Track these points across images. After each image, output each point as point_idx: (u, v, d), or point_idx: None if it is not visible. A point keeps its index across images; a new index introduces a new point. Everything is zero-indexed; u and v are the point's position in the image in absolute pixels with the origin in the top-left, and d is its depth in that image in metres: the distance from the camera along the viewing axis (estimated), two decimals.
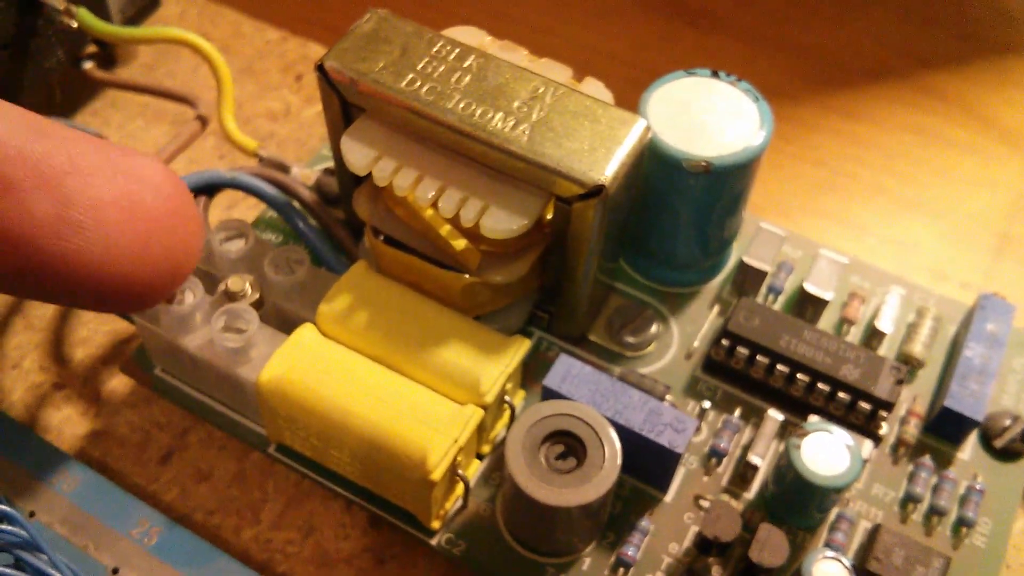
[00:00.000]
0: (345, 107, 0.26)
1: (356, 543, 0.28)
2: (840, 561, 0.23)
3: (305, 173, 0.31)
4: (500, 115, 0.24)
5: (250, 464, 0.30)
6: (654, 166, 0.26)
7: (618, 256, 0.30)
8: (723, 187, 0.27)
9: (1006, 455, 0.27)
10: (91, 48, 0.39)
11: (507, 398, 0.26)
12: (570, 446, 0.24)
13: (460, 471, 0.25)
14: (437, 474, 0.23)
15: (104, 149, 0.17)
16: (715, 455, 0.27)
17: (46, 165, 0.16)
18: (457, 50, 0.25)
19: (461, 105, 0.24)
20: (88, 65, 0.38)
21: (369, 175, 0.25)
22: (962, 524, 0.26)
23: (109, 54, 0.40)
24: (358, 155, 0.25)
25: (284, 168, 0.31)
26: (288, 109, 0.39)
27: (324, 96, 0.26)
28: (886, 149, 0.40)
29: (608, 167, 0.24)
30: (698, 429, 0.27)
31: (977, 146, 0.41)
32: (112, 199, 0.17)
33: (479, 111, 0.24)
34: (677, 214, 0.28)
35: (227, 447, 0.30)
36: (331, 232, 0.30)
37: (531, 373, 0.28)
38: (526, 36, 0.27)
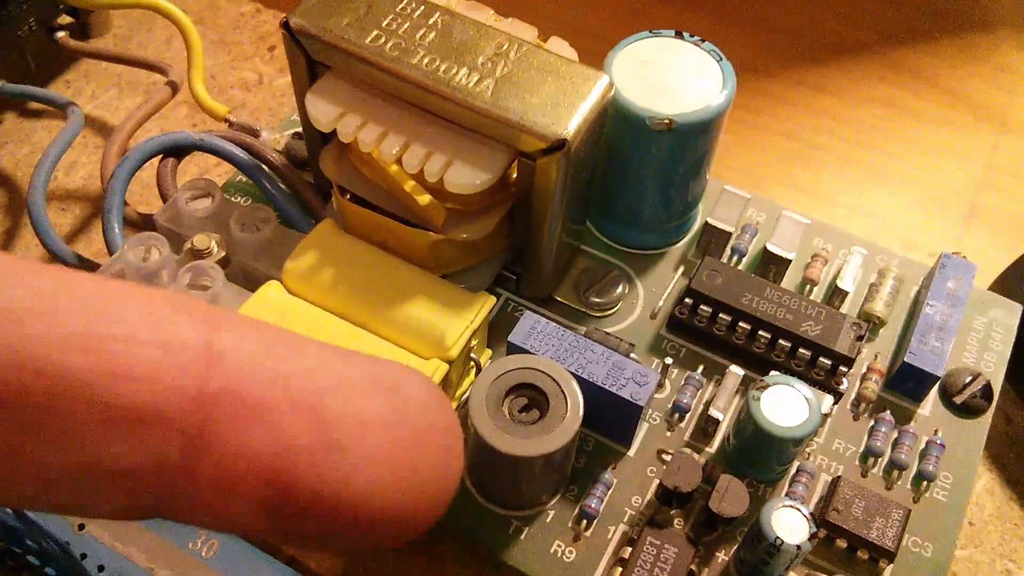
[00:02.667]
0: (311, 65, 0.26)
1: None
2: (799, 510, 0.23)
3: (275, 137, 0.31)
4: (464, 71, 0.24)
5: None
6: (618, 124, 0.27)
7: (585, 218, 0.30)
8: (686, 146, 0.27)
9: (966, 411, 0.28)
10: (65, 18, 0.39)
11: (473, 355, 0.26)
12: (533, 399, 0.24)
13: None
14: None
15: (361, 362, 0.15)
16: (678, 411, 0.27)
17: (302, 383, 0.14)
18: (422, 7, 0.26)
19: (425, 61, 0.24)
20: (61, 35, 0.38)
21: (335, 134, 0.25)
22: (922, 478, 0.26)
23: (83, 24, 0.40)
24: (323, 111, 0.25)
25: (254, 132, 0.31)
26: (261, 79, 0.39)
27: (290, 54, 0.26)
28: (856, 122, 0.41)
29: (571, 122, 0.24)
30: (661, 384, 0.27)
31: (946, 118, 0.41)
32: (378, 418, 0.14)
33: (443, 67, 0.24)
34: (641, 175, 0.28)
35: None
36: (299, 194, 0.30)
37: (498, 334, 0.28)
38: (498, 5, 0.27)
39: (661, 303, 0.29)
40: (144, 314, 0.13)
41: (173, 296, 0.14)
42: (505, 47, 0.25)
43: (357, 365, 0.15)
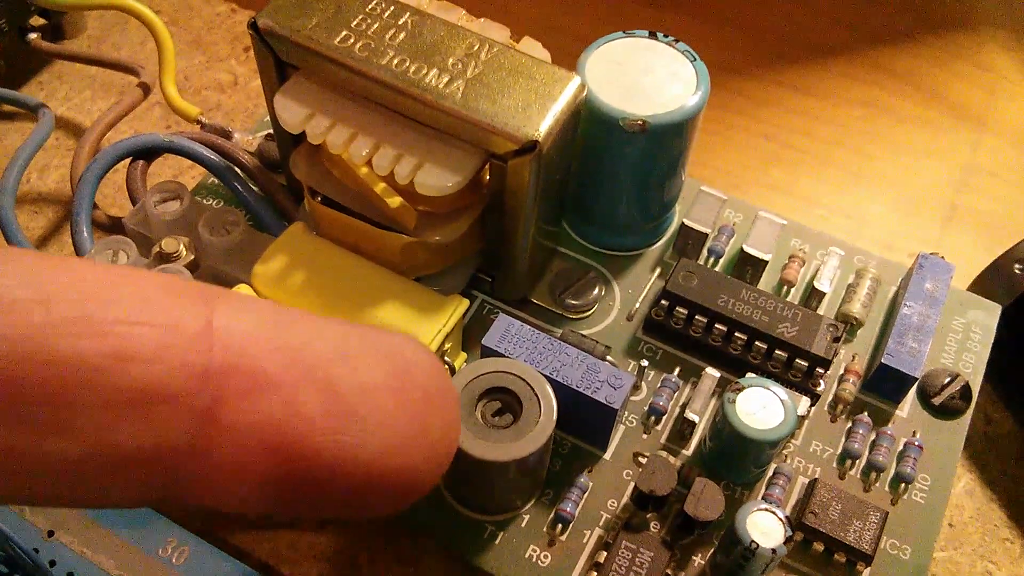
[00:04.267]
0: (280, 66, 0.26)
1: None
2: (774, 513, 0.23)
3: (247, 139, 0.31)
4: (434, 72, 0.24)
5: None
6: (592, 126, 0.26)
7: (560, 220, 0.30)
8: (661, 147, 0.27)
9: (945, 412, 0.27)
10: (37, 20, 0.38)
11: (447, 359, 0.26)
12: (506, 403, 0.24)
13: None
14: None
15: (362, 331, 0.15)
16: (654, 413, 0.27)
17: (307, 354, 0.14)
18: (392, 7, 0.25)
19: (395, 62, 0.24)
20: (33, 36, 0.37)
21: (305, 135, 0.25)
22: (900, 480, 0.26)
23: (56, 26, 0.40)
24: (291, 113, 0.25)
25: (226, 134, 0.31)
26: (236, 80, 0.39)
27: (259, 55, 0.26)
28: (835, 122, 0.41)
29: (542, 123, 0.23)
30: (637, 387, 0.27)
31: (926, 119, 0.41)
32: (385, 383, 0.15)
33: (413, 67, 0.24)
34: (616, 176, 0.28)
35: None
36: (272, 197, 0.30)
37: (473, 337, 0.28)
38: (470, 5, 0.27)
39: (638, 305, 0.29)
40: (142, 296, 0.13)
41: (167, 278, 0.14)
42: (476, 48, 0.25)
43: (358, 334, 0.15)
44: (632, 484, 0.26)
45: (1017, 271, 0.30)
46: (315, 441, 0.14)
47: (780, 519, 0.23)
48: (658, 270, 0.30)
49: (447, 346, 0.26)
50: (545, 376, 0.24)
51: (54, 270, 0.13)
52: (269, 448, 0.13)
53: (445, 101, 0.24)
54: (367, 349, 0.15)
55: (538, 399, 0.24)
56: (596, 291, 0.29)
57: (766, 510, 0.23)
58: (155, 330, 0.13)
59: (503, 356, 0.25)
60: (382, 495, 0.15)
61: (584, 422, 0.25)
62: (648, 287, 0.29)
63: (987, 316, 0.29)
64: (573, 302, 0.29)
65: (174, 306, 0.13)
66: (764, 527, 0.23)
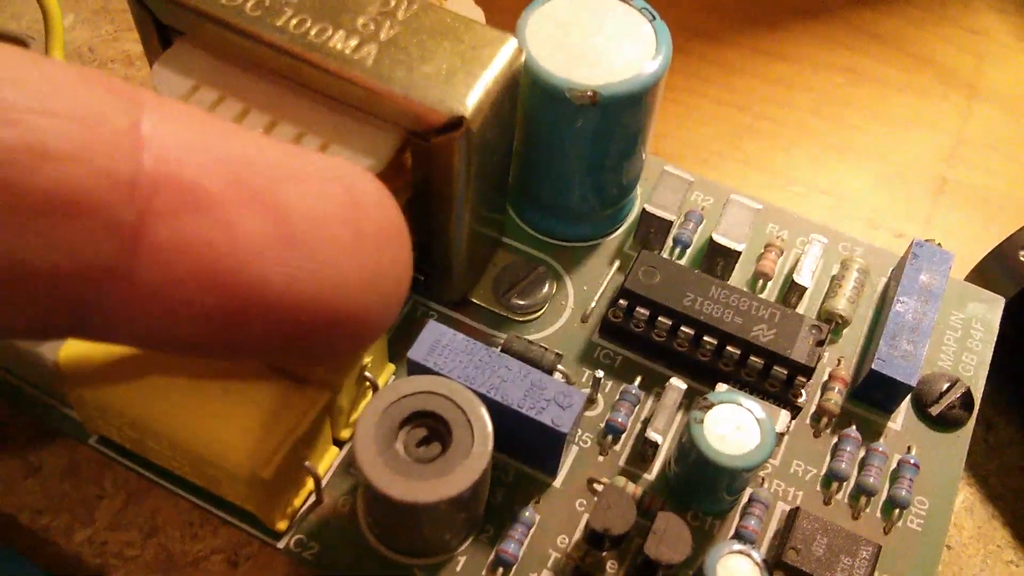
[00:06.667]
0: (162, 31, 0.22)
1: (205, 544, 0.25)
2: (750, 556, 0.20)
3: None
4: (341, 34, 0.20)
5: (84, 456, 0.26)
6: (535, 97, 0.23)
7: (503, 206, 0.26)
8: (615, 121, 0.23)
9: (944, 423, 0.24)
10: None
11: (368, 374, 0.22)
12: (433, 430, 0.20)
13: (307, 463, 0.21)
14: (268, 470, 0.19)
15: (311, 155, 0.13)
16: (612, 432, 0.23)
17: (252, 171, 0.12)
18: None
19: (293, 22, 0.20)
20: None
21: None
22: (894, 505, 0.23)
23: None
24: (172, 85, 0.21)
25: None
26: None
27: (136, 17, 0.22)
28: (815, 91, 0.37)
29: (470, 95, 0.20)
30: (592, 401, 0.24)
31: (912, 85, 0.37)
32: (337, 213, 0.13)
33: (315, 29, 0.20)
34: (566, 155, 0.24)
35: (58, 437, 0.26)
36: None
37: (403, 344, 0.24)
38: None
39: (594, 304, 0.25)
40: (58, 85, 0.11)
41: (88, 70, 0.12)
42: (392, 4, 0.21)
43: (307, 157, 0.13)
44: (587, 516, 0.22)
45: (1023, 258, 0.26)
46: (258, 271, 0.12)
47: (756, 563, 0.20)
48: (617, 263, 0.26)
49: (368, 359, 0.22)
50: (481, 396, 0.21)
51: None
52: (204, 275, 0.12)
53: (353, 69, 0.20)
54: (318, 173, 0.13)
55: (471, 424, 0.20)
56: (546, 289, 0.25)
57: (740, 552, 0.20)
58: (74, 124, 0.11)
59: (432, 372, 0.21)
60: (329, 341, 0.14)
61: (530, 447, 0.22)
62: (606, 283, 0.26)
63: (989, 310, 0.26)
64: (520, 302, 0.25)
65: (97, 100, 0.11)
66: (738, 573, 0.19)
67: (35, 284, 0.11)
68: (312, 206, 0.13)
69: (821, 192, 0.34)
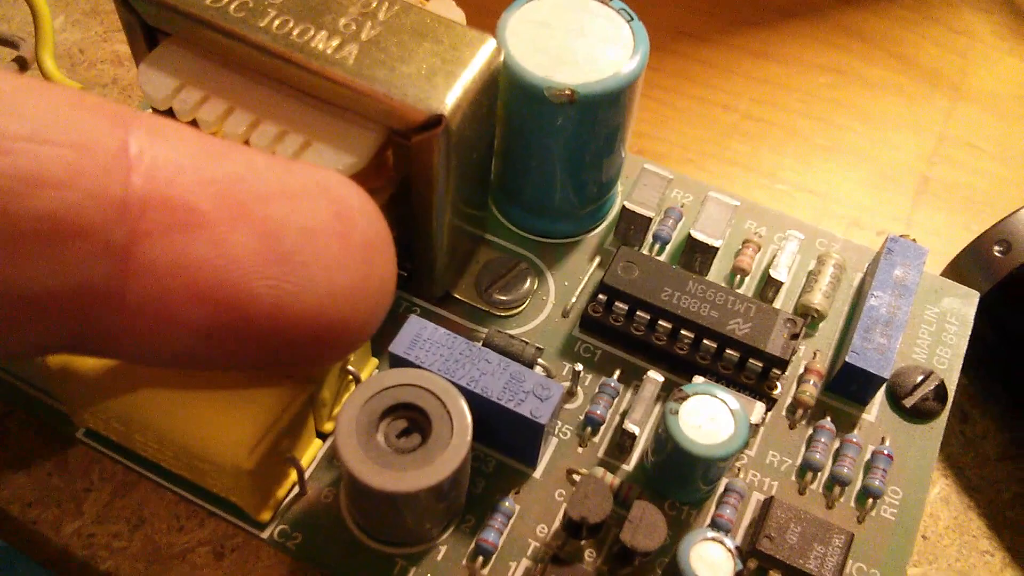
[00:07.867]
0: (150, 33, 0.22)
1: (192, 536, 0.25)
2: (722, 543, 0.20)
3: None
4: (323, 34, 0.21)
5: (73, 449, 0.26)
6: (515, 97, 0.23)
7: (484, 203, 0.26)
8: (593, 120, 0.23)
9: (918, 415, 0.24)
10: None
11: (350, 368, 0.23)
12: (413, 421, 0.21)
13: (291, 455, 0.21)
14: (251, 461, 0.20)
15: (300, 168, 0.14)
16: (591, 424, 0.23)
17: (240, 188, 0.12)
18: None
19: (276, 23, 0.21)
20: None
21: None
22: (868, 495, 0.23)
23: None
24: (157, 85, 0.21)
25: None
26: None
27: (124, 20, 0.22)
28: (800, 90, 0.37)
29: (449, 94, 0.20)
30: (572, 393, 0.24)
31: (897, 85, 0.38)
32: (327, 226, 0.13)
33: (297, 30, 0.21)
34: (546, 153, 0.24)
35: (47, 431, 0.26)
36: None
37: (386, 338, 0.25)
38: None
39: (574, 299, 0.26)
40: (51, 111, 0.11)
41: (76, 92, 0.12)
42: (373, 5, 0.21)
43: (296, 171, 0.14)
44: (566, 506, 0.22)
45: (997, 253, 0.27)
46: (250, 287, 0.12)
47: (729, 550, 0.20)
48: (597, 259, 0.27)
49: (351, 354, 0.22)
50: (461, 388, 0.21)
51: None
52: (196, 293, 0.12)
53: (334, 68, 0.20)
54: (308, 187, 0.13)
55: (450, 416, 0.20)
56: (527, 284, 0.26)
57: (713, 539, 0.20)
58: (66, 151, 0.11)
59: (413, 365, 0.22)
60: (320, 348, 0.14)
61: (509, 438, 0.22)
62: (586, 279, 0.26)
63: (964, 304, 0.26)
64: (501, 297, 0.26)
65: (89, 124, 0.11)
66: (711, 559, 0.20)
67: (30, 307, 0.11)
68: (301, 221, 0.13)
69: (805, 191, 0.34)
